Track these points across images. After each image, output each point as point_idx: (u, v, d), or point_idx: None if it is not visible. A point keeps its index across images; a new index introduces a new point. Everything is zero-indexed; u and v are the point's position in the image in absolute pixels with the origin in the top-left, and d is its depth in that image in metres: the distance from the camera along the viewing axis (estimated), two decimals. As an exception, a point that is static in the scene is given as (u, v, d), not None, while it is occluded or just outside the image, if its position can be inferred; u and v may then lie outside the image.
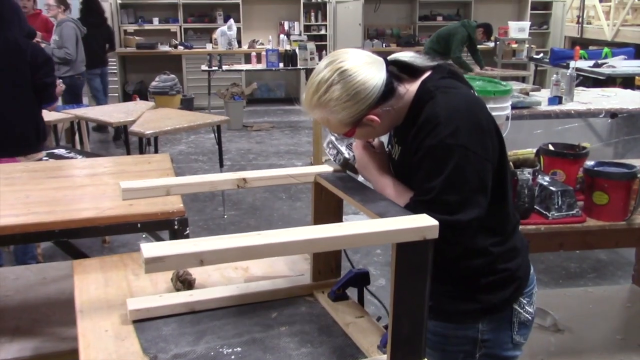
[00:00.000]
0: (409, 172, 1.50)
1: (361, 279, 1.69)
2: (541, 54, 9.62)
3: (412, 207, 1.41)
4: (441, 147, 1.39)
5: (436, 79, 1.50)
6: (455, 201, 1.38)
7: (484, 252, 1.55)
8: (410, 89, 1.51)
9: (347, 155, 1.67)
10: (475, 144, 1.40)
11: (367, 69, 1.45)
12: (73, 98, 6.66)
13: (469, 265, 1.56)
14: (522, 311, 1.62)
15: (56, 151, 4.15)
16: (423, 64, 1.53)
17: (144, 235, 4.19)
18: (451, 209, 1.38)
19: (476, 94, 1.56)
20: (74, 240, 2.68)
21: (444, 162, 1.39)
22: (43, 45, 6.49)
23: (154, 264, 1.09)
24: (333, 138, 1.70)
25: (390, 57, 1.54)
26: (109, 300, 1.67)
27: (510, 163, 2.29)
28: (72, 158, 3.97)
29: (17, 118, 3.40)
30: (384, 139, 1.70)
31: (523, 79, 9.30)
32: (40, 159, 3.51)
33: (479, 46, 8.23)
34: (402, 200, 1.47)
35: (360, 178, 1.79)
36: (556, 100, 4.58)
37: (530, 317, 1.65)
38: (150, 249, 1.10)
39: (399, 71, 1.52)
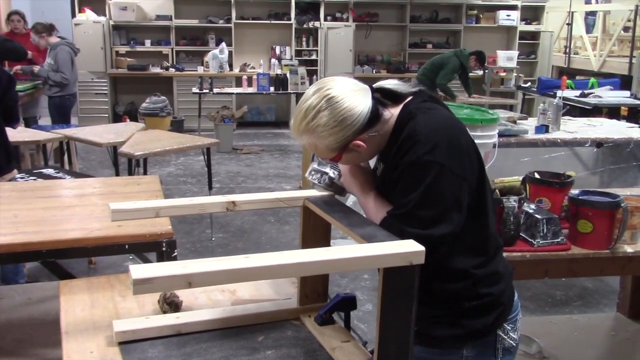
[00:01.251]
0: (391, 188, 1.54)
1: (348, 304, 1.69)
2: (529, 83, 9.75)
3: (388, 221, 1.46)
4: (419, 164, 1.44)
5: (417, 102, 1.56)
6: (428, 216, 1.42)
7: (465, 273, 1.57)
8: (394, 113, 1.56)
9: (332, 175, 1.70)
10: (452, 162, 1.44)
11: (354, 96, 1.49)
12: (62, 118, 6.64)
13: (452, 288, 1.58)
14: (506, 337, 1.63)
15: (44, 171, 4.14)
16: (406, 90, 1.59)
17: (130, 257, 4.17)
18: (424, 223, 1.42)
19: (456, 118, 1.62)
20: (61, 260, 2.67)
21: (420, 178, 1.43)
22: (37, 68, 6.49)
23: (142, 286, 1.10)
24: (315, 165, 1.74)
25: (375, 85, 1.59)
26: (95, 322, 1.67)
27: (497, 190, 2.32)
28: (60, 178, 3.96)
29: None
30: None
31: (511, 107, 9.40)
32: (14, 178, 3.47)
33: (470, 73, 8.33)
34: (381, 214, 1.51)
35: (349, 202, 1.81)
36: (543, 129, 4.64)
37: (514, 344, 1.66)
38: (139, 270, 1.11)
39: (383, 97, 1.57)
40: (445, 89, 7.67)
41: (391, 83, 1.60)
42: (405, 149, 1.47)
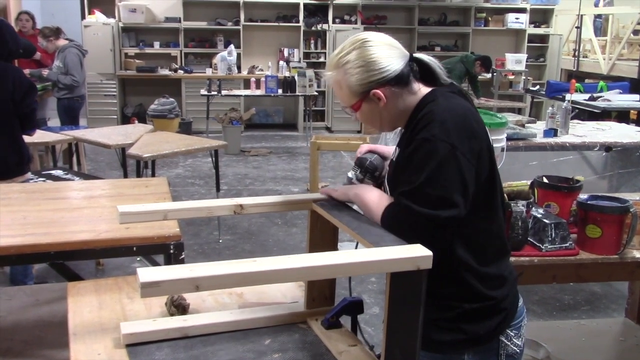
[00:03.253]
0: (403, 165, 1.54)
1: (355, 308, 1.69)
2: (537, 86, 9.71)
3: (396, 203, 1.49)
4: (430, 142, 1.46)
5: (445, 91, 1.59)
6: (435, 195, 1.43)
7: (466, 269, 1.55)
8: (422, 90, 1.59)
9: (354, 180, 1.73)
10: (463, 146, 1.46)
11: (389, 49, 1.56)
12: (71, 120, 6.66)
13: (452, 285, 1.57)
14: (509, 343, 1.62)
15: (53, 172, 4.16)
16: (442, 76, 1.62)
17: (138, 259, 4.19)
18: (432, 203, 1.42)
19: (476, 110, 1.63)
20: (68, 262, 2.68)
21: (430, 156, 1.45)
22: (45, 72, 6.50)
23: (149, 289, 1.10)
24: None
25: (416, 54, 1.63)
26: (102, 324, 1.67)
27: (505, 195, 2.31)
28: (69, 180, 3.98)
29: None
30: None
31: (519, 111, 9.39)
32: (27, 181, 3.49)
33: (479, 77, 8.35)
34: (382, 203, 1.52)
35: (355, 205, 1.81)
36: (551, 132, 4.62)
37: (518, 350, 1.64)
38: (147, 273, 1.11)
39: (421, 73, 1.60)
40: None
41: (432, 60, 1.63)
42: (420, 127, 1.49)
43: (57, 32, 6.58)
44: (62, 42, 6.56)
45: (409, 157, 1.50)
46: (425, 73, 1.61)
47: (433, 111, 1.49)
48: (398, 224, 1.45)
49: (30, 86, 3.46)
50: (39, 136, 4.91)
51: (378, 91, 1.55)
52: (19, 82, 3.35)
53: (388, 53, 1.55)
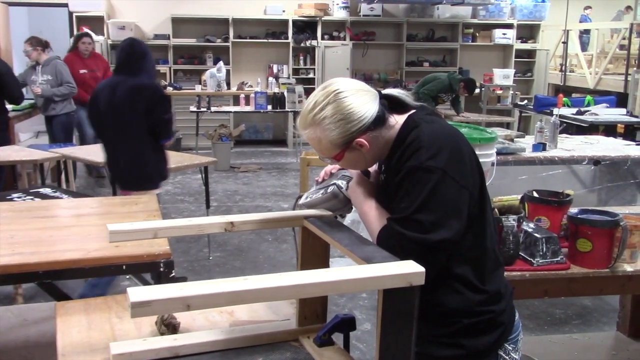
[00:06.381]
0: (391, 194, 1.54)
1: (347, 325, 1.68)
2: (525, 101, 9.78)
3: (388, 227, 1.48)
4: (421, 169, 1.46)
5: (422, 114, 1.59)
6: (428, 221, 1.43)
7: (463, 286, 1.56)
8: (398, 120, 1.59)
9: (340, 184, 1.69)
10: (454, 170, 1.46)
11: (361, 95, 1.53)
12: (66, 136, 6.63)
13: (450, 302, 1.56)
14: (507, 358, 1.62)
15: (42, 190, 4.12)
16: (411, 102, 1.62)
17: (128, 277, 4.15)
18: (424, 228, 1.43)
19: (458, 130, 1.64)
20: (57, 281, 2.65)
21: (422, 183, 1.45)
22: (39, 90, 6.44)
23: (140, 309, 1.08)
24: (312, 189, 1.76)
25: (383, 91, 1.62)
26: (91, 344, 1.65)
27: (496, 209, 2.32)
28: (58, 198, 3.94)
29: (141, 158, 3.72)
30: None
31: (507, 125, 9.44)
32: (158, 194, 3.70)
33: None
34: (382, 222, 1.52)
35: (347, 221, 1.80)
36: (540, 146, 4.65)
37: (515, 364, 1.64)
38: (137, 293, 1.10)
39: (389, 105, 1.60)
40: (424, 99, 7.64)
41: (397, 92, 1.63)
42: (408, 155, 1.49)
43: (45, 45, 6.58)
44: (45, 56, 6.54)
45: (399, 185, 1.50)
46: (394, 104, 1.61)
47: (419, 138, 1.49)
48: (391, 249, 1.44)
49: (163, 96, 3.80)
50: (27, 154, 4.89)
51: (360, 139, 1.54)
52: (153, 92, 3.68)
53: (362, 100, 1.52)
